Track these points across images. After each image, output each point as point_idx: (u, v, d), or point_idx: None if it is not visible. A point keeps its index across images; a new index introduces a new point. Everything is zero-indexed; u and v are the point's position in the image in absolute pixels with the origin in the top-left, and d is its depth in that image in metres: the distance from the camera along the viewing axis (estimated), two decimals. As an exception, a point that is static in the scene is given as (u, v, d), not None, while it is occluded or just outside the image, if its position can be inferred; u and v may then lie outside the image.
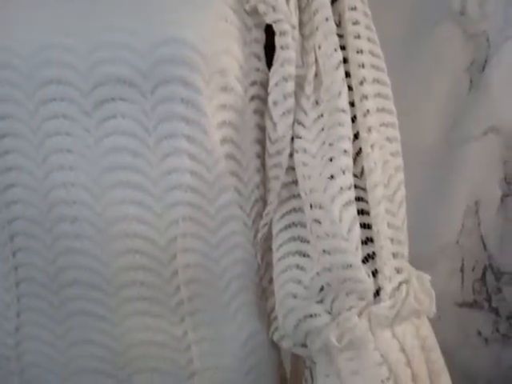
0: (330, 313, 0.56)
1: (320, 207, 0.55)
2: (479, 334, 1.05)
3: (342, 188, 0.55)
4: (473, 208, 1.02)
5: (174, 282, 0.58)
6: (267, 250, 0.63)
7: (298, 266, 0.57)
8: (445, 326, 1.05)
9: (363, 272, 0.55)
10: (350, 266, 0.54)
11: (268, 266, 0.63)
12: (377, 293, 0.58)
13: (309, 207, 0.56)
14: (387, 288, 0.57)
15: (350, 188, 0.55)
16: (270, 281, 0.62)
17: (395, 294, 0.57)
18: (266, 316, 0.64)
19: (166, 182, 0.56)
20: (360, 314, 0.56)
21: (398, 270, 0.59)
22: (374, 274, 0.57)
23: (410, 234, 0.67)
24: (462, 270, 1.04)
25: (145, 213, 0.56)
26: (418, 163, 1.01)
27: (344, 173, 0.55)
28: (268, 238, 0.63)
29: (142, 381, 0.59)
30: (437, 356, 0.61)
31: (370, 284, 0.55)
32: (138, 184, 0.56)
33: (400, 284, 0.58)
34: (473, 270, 1.04)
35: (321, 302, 0.56)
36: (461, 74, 0.99)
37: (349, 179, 0.55)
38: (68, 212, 0.57)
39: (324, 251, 0.55)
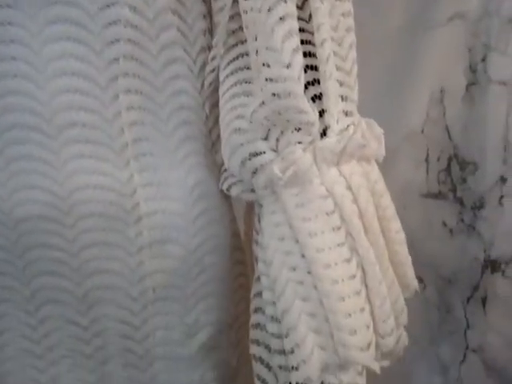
0: (275, 151, 0.56)
1: (261, 38, 0.54)
2: (444, 224, 1.05)
3: (283, 16, 0.53)
4: (437, 97, 1.01)
5: (116, 123, 0.57)
6: (216, 104, 0.62)
7: (242, 105, 0.56)
8: (409, 217, 1.05)
9: (306, 102, 0.54)
10: (292, 94, 0.53)
11: (217, 120, 0.62)
12: (324, 133, 0.57)
13: (251, 40, 0.55)
14: (334, 127, 0.56)
15: (292, 17, 0.54)
16: (219, 136, 0.61)
17: (343, 134, 0.57)
18: (216, 168, 0.63)
19: (104, 16, 0.55)
20: (305, 150, 0.55)
21: (347, 113, 0.58)
22: (321, 114, 0.57)
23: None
24: (426, 161, 1.04)
25: (83, 50, 0.55)
26: (382, 50, 1.00)
27: (285, 1, 0.53)
28: (216, 89, 0.61)
29: (88, 225, 0.58)
30: (387, 202, 0.61)
31: (313, 116, 0.54)
32: (75, 19, 0.54)
33: (348, 126, 0.58)
34: (438, 160, 1.04)
35: (265, 139, 0.55)
36: (425, -42, 0.97)
37: (290, 8, 0.54)
38: (5, 52, 0.55)
39: (266, 81, 0.54)
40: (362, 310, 0.54)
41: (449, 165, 1.03)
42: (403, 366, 1.10)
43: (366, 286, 0.55)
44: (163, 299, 0.60)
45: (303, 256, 0.54)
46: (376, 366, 0.56)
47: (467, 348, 1.07)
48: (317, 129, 0.55)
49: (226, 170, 0.62)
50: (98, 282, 0.59)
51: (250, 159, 0.56)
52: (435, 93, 1.01)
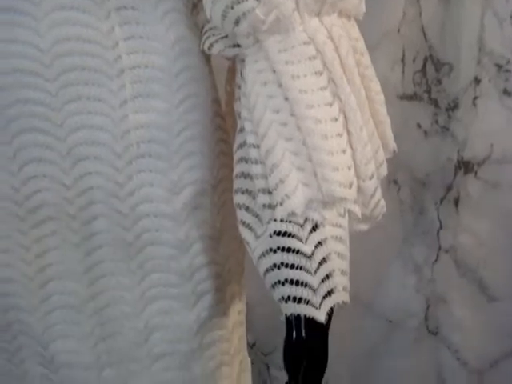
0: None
1: None
2: (418, 126, 1.07)
3: None
4: (414, -4, 1.02)
5: None
6: None
7: None
8: (385, 118, 1.07)
9: None
10: None
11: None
12: None
13: None
14: None
15: None
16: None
17: None
18: (197, 29, 0.63)
19: None
20: None
21: None
22: None
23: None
24: (402, 61, 1.05)
25: None
26: None
27: None
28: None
29: (70, 79, 0.58)
30: (368, 62, 0.62)
31: None
32: None
33: None
34: (413, 61, 1.05)
35: None
36: None
37: None
38: None
39: None
40: (344, 151, 0.55)
41: (424, 66, 1.04)
42: (377, 267, 1.13)
43: (348, 132, 0.56)
44: (147, 155, 0.60)
45: (286, 99, 0.55)
46: (357, 210, 0.57)
47: (440, 248, 1.10)
48: None
49: (207, 31, 0.62)
50: (81, 138, 0.59)
51: (232, 7, 0.56)
52: (412, -8, 1.02)
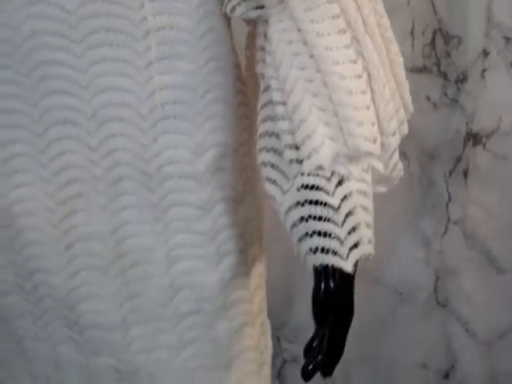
0: None
1: None
2: (428, 99, 1.08)
3: None
4: (423, -31, 1.02)
5: None
6: None
7: None
8: (395, 91, 1.08)
9: None
10: None
11: None
12: None
13: None
14: None
15: None
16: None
17: None
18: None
19: None
20: None
21: None
22: None
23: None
24: (412, 34, 1.06)
25: None
26: None
27: None
28: None
29: (96, 40, 0.59)
30: (388, 24, 0.64)
31: None
32: None
33: None
34: (423, 34, 1.05)
35: None
36: None
37: None
38: None
39: None
40: (368, 107, 0.57)
41: (433, 38, 1.05)
42: (387, 240, 1.13)
43: (371, 89, 0.57)
44: (172, 117, 0.61)
45: (312, 56, 0.56)
46: (380, 166, 0.58)
47: (449, 220, 1.11)
48: None
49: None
50: (107, 100, 0.60)
51: None
52: (420, -38, 1.02)
